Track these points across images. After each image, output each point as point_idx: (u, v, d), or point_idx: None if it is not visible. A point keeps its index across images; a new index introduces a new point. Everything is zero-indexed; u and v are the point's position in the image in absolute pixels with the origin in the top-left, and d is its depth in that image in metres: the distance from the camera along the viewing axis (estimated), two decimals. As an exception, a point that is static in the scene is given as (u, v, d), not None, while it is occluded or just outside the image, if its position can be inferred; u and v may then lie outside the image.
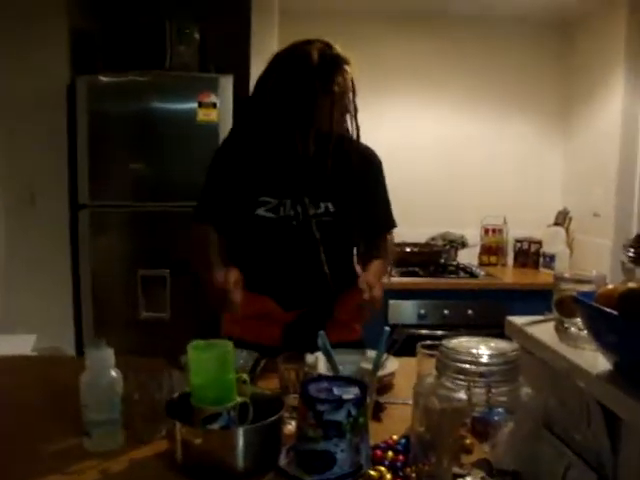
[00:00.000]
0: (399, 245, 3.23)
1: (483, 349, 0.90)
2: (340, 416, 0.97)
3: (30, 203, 2.91)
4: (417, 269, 3.09)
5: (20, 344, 2.84)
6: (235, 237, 1.63)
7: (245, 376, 1.10)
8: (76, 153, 2.79)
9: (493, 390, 0.81)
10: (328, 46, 1.51)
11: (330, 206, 1.59)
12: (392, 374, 1.42)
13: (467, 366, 0.85)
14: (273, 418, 1.03)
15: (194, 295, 2.84)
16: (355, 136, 1.61)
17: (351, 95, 1.53)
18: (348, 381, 1.07)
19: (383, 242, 1.72)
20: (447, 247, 3.25)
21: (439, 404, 0.83)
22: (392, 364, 1.42)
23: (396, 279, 2.94)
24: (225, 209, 1.62)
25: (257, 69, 2.85)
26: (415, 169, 3.40)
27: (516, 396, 0.81)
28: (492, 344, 0.91)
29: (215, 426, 1.04)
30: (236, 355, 1.43)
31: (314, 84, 1.46)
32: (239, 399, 1.08)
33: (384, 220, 1.75)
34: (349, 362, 1.36)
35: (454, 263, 3.28)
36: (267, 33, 2.87)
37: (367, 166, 1.68)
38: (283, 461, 1.04)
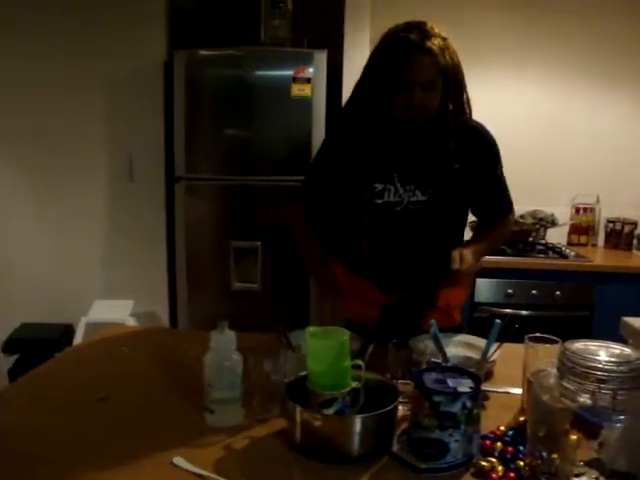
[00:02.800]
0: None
1: (605, 355, 0.90)
2: (456, 408, 1.01)
3: (129, 176, 3.07)
4: (505, 247, 3.04)
5: (120, 309, 3.03)
6: (338, 221, 1.67)
7: (361, 362, 1.14)
8: (173, 128, 2.89)
9: (618, 397, 0.82)
10: (419, 28, 1.45)
11: (436, 192, 1.57)
12: (494, 362, 1.43)
13: (593, 371, 0.85)
14: (389, 407, 1.07)
15: (284, 267, 2.94)
16: (465, 114, 1.57)
17: (452, 72, 1.47)
18: (460, 372, 1.10)
19: (498, 225, 1.70)
20: (536, 225, 3.18)
21: (562, 404, 0.85)
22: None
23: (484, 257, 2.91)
24: (328, 193, 1.66)
25: (350, 44, 2.89)
26: (506, 145, 3.31)
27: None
28: (614, 350, 0.91)
29: (330, 410, 1.10)
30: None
31: (393, 71, 1.44)
32: (353, 384, 1.13)
33: (499, 206, 1.72)
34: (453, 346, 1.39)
35: (543, 242, 3.21)
36: (361, 8, 2.84)
37: (481, 149, 1.61)
38: (395, 446, 1.08)
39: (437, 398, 1.01)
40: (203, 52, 2.83)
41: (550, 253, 3.08)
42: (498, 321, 1.25)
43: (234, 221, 2.96)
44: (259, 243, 2.92)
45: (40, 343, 2.90)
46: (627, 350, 0.89)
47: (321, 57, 2.75)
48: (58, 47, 3.01)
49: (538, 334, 1.25)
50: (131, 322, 2.98)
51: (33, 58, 3.03)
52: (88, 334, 2.89)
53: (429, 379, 1.07)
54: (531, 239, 3.15)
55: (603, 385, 0.83)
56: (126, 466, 1.03)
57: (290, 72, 2.76)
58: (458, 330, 1.62)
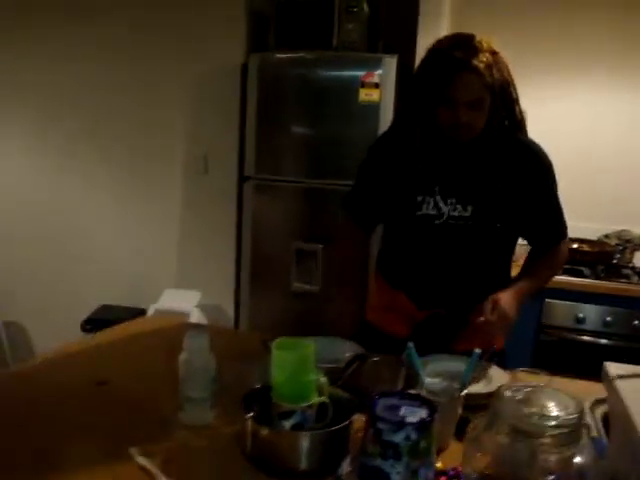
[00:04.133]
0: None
1: (532, 406, 0.79)
2: (398, 438, 0.95)
3: (204, 173, 3.20)
4: (583, 269, 2.83)
5: (187, 299, 3.17)
6: (378, 230, 1.68)
7: (323, 379, 1.12)
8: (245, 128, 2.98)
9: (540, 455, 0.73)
10: (466, 44, 1.40)
11: (477, 209, 1.50)
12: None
13: (515, 422, 0.76)
14: (338, 426, 1.04)
15: (344, 271, 2.92)
16: (519, 131, 1.51)
17: (500, 89, 1.41)
18: (423, 401, 1.04)
19: (550, 255, 1.60)
20: (622, 247, 2.92)
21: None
22: (500, 379, 1.33)
23: (557, 277, 2.73)
24: (373, 202, 1.65)
25: (423, 50, 2.81)
26: (590, 156, 3.09)
27: (568, 463, 0.72)
28: (553, 401, 0.79)
29: (289, 422, 1.09)
30: (340, 345, 1.50)
31: (438, 89, 1.40)
32: (316, 399, 1.11)
33: (551, 232, 1.61)
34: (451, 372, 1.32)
35: (629, 265, 2.94)
36: (435, 13, 2.76)
37: (532, 168, 1.53)
38: (347, 468, 1.05)
39: (381, 425, 0.97)
40: (277, 55, 2.89)
41: (636, 278, 2.82)
42: (478, 351, 1.17)
43: (297, 222, 2.99)
44: (320, 246, 2.93)
45: (115, 324, 3.10)
46: (570, 402, 0.78)
47: (390, 61, 2.70)
48: (139, 44, 3.21)
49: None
50: (196, 313, 3.11)
51: (114, 56, 3.26)
52: (156, 320, 3.05)
53: (383, 404, 1.02)
54: (615, 261, 2.91)
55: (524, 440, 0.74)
56: (88, 446, 1.09)
57: (359, 76, 2.74)
58: (498, 356, 1.51)
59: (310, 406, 1.10)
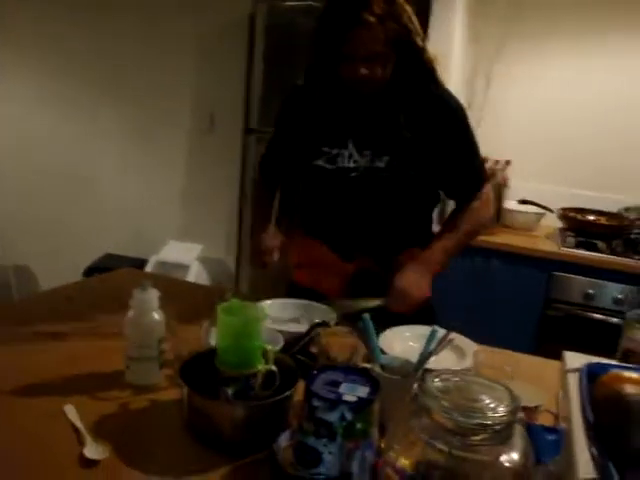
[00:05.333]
0: (581, 211, 2.85)
1: (461, 397, 0.69)
2: (332, 417, 0.88)
3: (209, 127, 3.12)
4: (597, 242, 2.68)
5: (188, 252, 3.14)
6: (296, 186, 1.63)
7: (269, 347, 1.05)
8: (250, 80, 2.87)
9: (453, 452, 0.64)
10: None
11: (392, 160, 1.47)
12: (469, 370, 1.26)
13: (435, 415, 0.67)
14: (274, 398, 0.98)
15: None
16: (432, 81, 1.47)
17: (398, 39, 1.36)
18: (368, 378, 0.97)
19: (469, 208, 1.55)
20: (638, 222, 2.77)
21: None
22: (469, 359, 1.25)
23: (567, 249, 2.60)
24: (285, 160, 1.64)
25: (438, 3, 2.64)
26: (613, 124, 2.90)
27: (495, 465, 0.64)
28: (485, 394, 0.69)
29: (229, 390, 1.03)
30: (314, 308, 1.43)
31: (333, 46, 1.37)
32: (262, 367, 1.05)
33: (466, 179, 1.56)
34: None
35: (650, 242, 2.79)
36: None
37: (442, 116, 1.49)
38: (284, 443, 0.98)
39: (315, 402, 0.89)
40: (285, 4, 2.75)
41: (655, 256, 2.67)
42: (437, 328, 1.08)
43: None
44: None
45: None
46: (505, 396, 0.68)
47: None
48: (144, 1, 3.09)
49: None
50: (196, 266, 3.08)
51: (117, 12, 3.16)
52: (155, 271, 3.03)
53: (323, 379, 0.95)
54: (633, 237, 2.75)
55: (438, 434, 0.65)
56: (20, 400, 1.06)
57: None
58: (427, 309, 1.52)
59: (254, 374, 1.04)
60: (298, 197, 1.65)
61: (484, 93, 2.89)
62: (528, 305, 2.65)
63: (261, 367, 1.04)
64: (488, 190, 1.59)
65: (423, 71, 1.46)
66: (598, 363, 0.68)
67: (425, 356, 1.05)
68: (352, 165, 1.49)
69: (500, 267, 2.67)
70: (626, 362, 1.05)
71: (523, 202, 2.87)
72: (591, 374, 0.66)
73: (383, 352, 1.18)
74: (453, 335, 1.30)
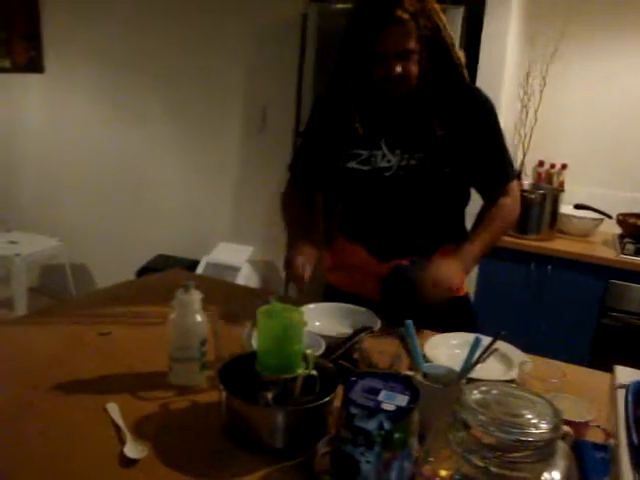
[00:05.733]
0: (634, 216, 2.73)
1: (504, 412, 0.66)
2: (371, 426, 0.87)
3: (261, 127, 3.14)
4: (661, 246, 2.56)
5: (239, 253, 3.17)
6: (331, 190, 1.61)
7: (310, 350, 1.04)
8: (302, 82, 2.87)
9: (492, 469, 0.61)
10: None
11: (424, 157, 1.47)
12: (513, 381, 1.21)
13: (475, 430, 0.64)
14: (313, 404, 0.97)
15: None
16: (460, 77, 1.47)
17: (430, 36, 1.37)
18: (407, 386, 0.95)
19: (498, 203, 1.52)
20: None
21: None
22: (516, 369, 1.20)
23: (626, 257, 2.49)
24: (318, 165, 1.62)
25: (493, 2, 2.58)
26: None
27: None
28: (527, 409, 0.66)
29: (269, 394, 1.02)
30: (354, 313, 1.42)
31: (365, 44, 1.36)
32: (301, 372, 1.04)
33: (495, 173, 1.54)
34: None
35: None
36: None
37: (473, 111, 1.48)
38: (322, 449, 0.97)
39: (353, 410, 0.88)
40: (336, 5, 2.74)
41: None
42: (481, 337, 1.04)
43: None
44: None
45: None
46: (547, 409, 0.65)
47: (457, 13, 2.49)
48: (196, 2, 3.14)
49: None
50: (246, 268, 3.10)
51: (170, 13, 3.22)
52: (206, 273, 3.07)
53: (362, 386, 0.93)
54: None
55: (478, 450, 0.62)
56: (66, 397, 1.08)
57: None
58: (464, 300, 1.55)
59: (294, 378, 1.03)
60: (335, 200, 1.64)
61: (539, 95, 2.81)
62: (584, 313, 2.55)
63: (301, 372, 1.03)
64: (516, 187, 1.57)
65: (452, 68, 1.45)
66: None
67: (469, 365, 1.02)
68: (386, 165, 1.49)
69: (555, 274, 2.58)
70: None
71: (580, 207, 2.77)
72: (637, 391, 0.62)
73: (427, 360, 1.16)
74: (501, 344, 1.27)
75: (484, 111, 1.50)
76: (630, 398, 0.60)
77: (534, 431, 0.62)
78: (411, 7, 1.32)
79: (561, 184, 2.87)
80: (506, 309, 2.58)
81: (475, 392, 0.69)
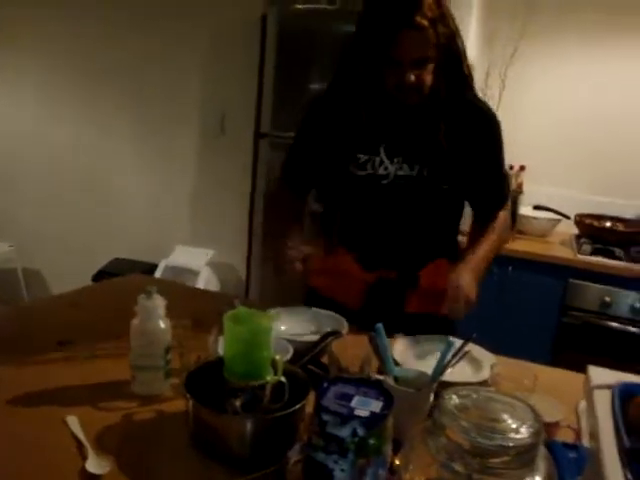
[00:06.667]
0: (598, 217, 2.80)
1: (482, 417, 0.64)
2: (344, 433, 0.84)
3: (220, 131, 3.10)
4: (615, 249, 2.62)
5: (198, 257, 3.12)
6: (323, 191, 1.58)
7: (278, 356, 1.01)
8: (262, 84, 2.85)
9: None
10: None
11: (423, 169, 1.42)
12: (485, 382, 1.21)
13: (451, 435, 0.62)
14: (285, 411, 0.94)
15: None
16: (469, 90, 1.42)
17: (447, 44, 1.31)
18: (381, 391, 0.93)
19: (495, 221, 1.52)
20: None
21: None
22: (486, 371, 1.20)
23: (584, 257, 2.55)
24: (312, 166, 1.56)
25: (455, 2, 2.60)
26: (631, 127, 2.85)
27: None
28: (507, 413, 0.65)
29: (237, 402, 0.99)
30: (319, 316, 1.40)
31: (380, 49, 1.29)
32: (270, 378, 1.01)
33: (495, 195, 1.54)
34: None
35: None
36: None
37: (480, 129, 1.44)
38: (295, 457, 0.95)
39: (325, 417, 0.86)
40: (296, 6, 2.72)
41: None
42: (452, 340, 1.04)
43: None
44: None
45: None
46: (527, 414, 0.64)
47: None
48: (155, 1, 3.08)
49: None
50: (206, 271, 3.05)
51: (129, 10, 3.15)
52: (165, 276, 3.01)
53: (334, 392, 0.91)
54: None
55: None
56: (22, 410, 1.03)
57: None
58: (445, 320, 1.41)
59: (262, 385, 1.00)
60: (325, 203, 1.60)
61: (499, 96, 2.84)
62: (544, 312, 2.60)
63: (270, 378, 1.01)
64: (508, 205, 1.59)
65: (462, 78, 1.40)
66: (633, 383, 0.63)
67: (441, 368, 1.01)
68: (383, 172, 1.43)
69: (515, 274, 2.62)
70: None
71: (538, 208, 2.81)
72: (623, 393, 0.62)
73: (396, 363, 1.14)
74: (470, 346, 1.27)
75: (491, 129, 1.46)
76: (617, 401, 0.60)
77: (515, 436, 0.61)
78: (430, 13, 1.25)
79: (519, 186, 2.91)
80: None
81: (454, 397, 0.67)
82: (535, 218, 2.81)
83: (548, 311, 2.59)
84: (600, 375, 0.74)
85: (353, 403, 0.88)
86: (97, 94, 3.40)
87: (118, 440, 0.97)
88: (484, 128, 1.45)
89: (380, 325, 1.05)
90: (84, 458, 0.90)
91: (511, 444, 0.60)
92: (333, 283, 1.55)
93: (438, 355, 1.05)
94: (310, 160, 1.56)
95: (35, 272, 3.68)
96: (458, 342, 1.06)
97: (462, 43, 1.37)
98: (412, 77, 1.29)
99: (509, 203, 1.59)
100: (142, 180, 3.39)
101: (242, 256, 3.17)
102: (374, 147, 1.44)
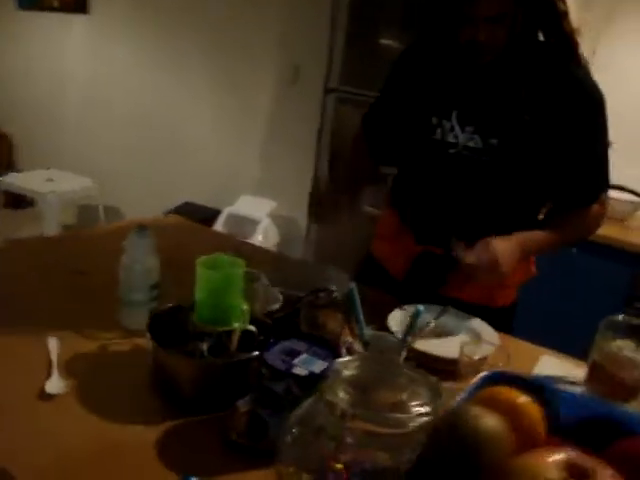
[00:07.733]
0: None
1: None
2: (278, 388, 0.83)
3: (292, 82, 3.07)
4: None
5: (261, 207, 3.14)
6: (397, 153, 1.47)
7: (245, 306, 1.01)
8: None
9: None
10: None
11: (500, 143, 1.25)
12: (484, 359, 1.13)
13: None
14: (236, 358, 0.94)
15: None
16: (562, 51, 1.23)
17: None
18: (332, 351, 0.90)
19: (580, 213, 1.32)
20: None
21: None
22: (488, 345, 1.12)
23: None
24: (389, 123, 1.47)
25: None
26: None
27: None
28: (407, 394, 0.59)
29: (204, 345, 1.00)
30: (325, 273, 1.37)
31: (453, 6, 1.19)
32: (238, 326, 1.01)
33: (587, 184, 1.31)
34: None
35: None
36: None
37: (575, 104, 1.23)
38: (243, 407, 0.94)
39: (263, 370, 0.85)
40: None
41: None
42: (421, 308, 0.98)
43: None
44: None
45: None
46: (425, 391, 0.57)
47: None
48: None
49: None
50: (266, 222, 3.08)
51: None
52: (227, 224, 3.07)
53: (285, 346, 0.90)
54: None
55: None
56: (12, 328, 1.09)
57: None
58: (498, 314, 1.31)
59: (228, 332, 1.00)
60: (399, 168, 1.50)
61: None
62: (607, 302, 2.41)
63: (237, 325, 1.00)
64: (606, 199, 1.35)
65: (560, 42, 1.23)
66: (502, 372, 0.56)
67: (408, 336, 0.96)
68: (452, 140, 1.30)
69: (580, 258, 2.43)
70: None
71: (618, 188, 2.59)
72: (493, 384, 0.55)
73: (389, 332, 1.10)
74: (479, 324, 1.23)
75: (593, 110, 1.24)
76: (469, 393, 0.54)
77: (413, 416, 0.56)
78: None
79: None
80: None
81: (341, 365, 0.63)
82: (614, 199, 2.58)
83: (611, 301, 2.40)
84: (547, 363, 0.67)
85: (296, 361, 0.87)
86: (180, 47, 3.48)
87: (86, 366, 1.01)
88: (585, 107, 1.24)
89: (353, 285, 1.00)
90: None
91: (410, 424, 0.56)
92: (387, 250, 1.49)
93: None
94: (387, 116, 1.48)
95: (115, 210, 3.88)
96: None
97: (563, 2, 1.20)
98: (484, 34, 1.17)
99: (605, 200, 1.34)
100: (216, 128, 3.45)
101: (304, 210, 3.17)
102: (447, 111, 1.31)
